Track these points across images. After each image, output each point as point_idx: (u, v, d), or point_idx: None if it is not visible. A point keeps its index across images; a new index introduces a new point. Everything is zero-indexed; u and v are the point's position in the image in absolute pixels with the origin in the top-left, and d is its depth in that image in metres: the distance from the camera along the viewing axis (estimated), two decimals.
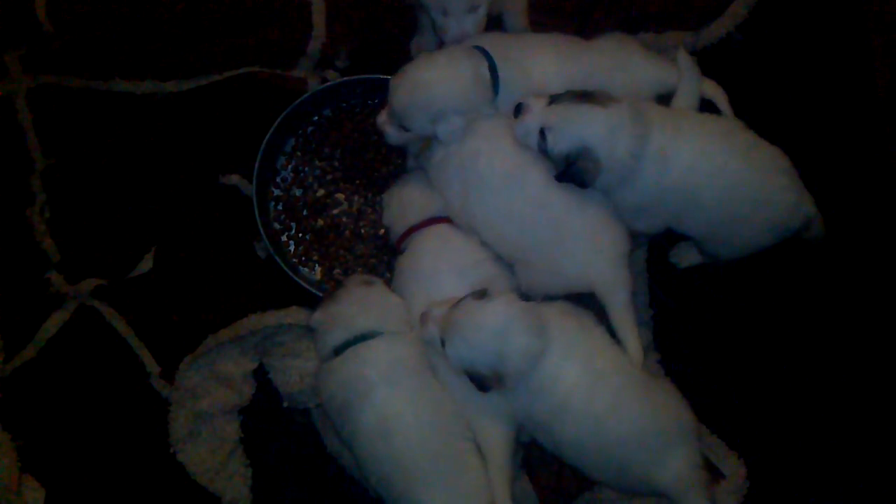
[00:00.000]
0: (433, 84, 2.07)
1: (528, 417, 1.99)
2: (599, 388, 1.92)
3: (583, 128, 1.95)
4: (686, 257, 2.35)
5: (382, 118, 2.19)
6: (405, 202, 2.27)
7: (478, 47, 2.14)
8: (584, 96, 1.98)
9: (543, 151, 2.02)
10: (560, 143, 1.97)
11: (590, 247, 2.06)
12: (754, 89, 2.50)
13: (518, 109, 2.03)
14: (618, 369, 1.97)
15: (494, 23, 2.32)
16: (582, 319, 2.03)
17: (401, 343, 2.03)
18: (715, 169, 2.04)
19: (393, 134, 2.19)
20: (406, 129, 2.15)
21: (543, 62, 2.17)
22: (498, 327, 1.88)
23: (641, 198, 2.05)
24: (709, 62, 2.44)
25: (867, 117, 2.52)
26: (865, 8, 2.58)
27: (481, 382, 1.90)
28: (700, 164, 2.03)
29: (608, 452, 1.94)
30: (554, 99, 2.01)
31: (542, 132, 1.99)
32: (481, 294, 1.93)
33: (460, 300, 1.94)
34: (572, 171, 1.97)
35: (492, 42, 2.17)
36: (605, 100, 1.97)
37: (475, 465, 1.98)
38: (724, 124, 2.13)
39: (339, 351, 2.02)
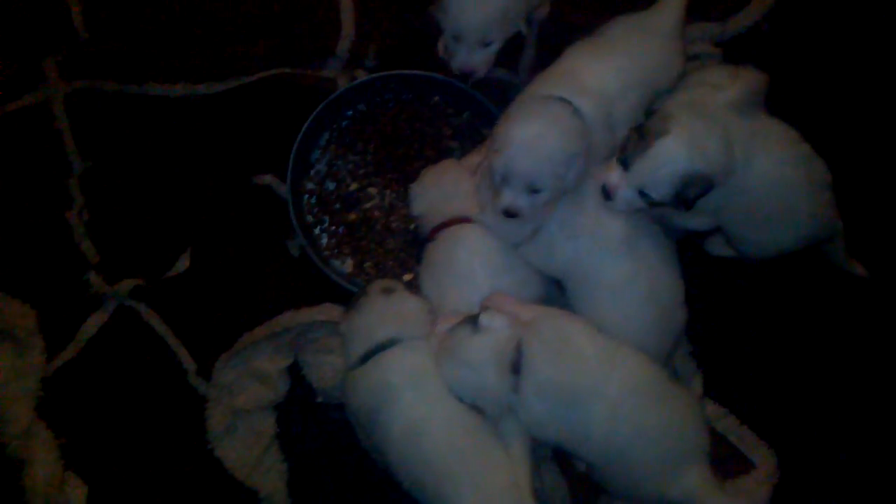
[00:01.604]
0: (546, 138, 1.98)
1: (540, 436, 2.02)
2: (589, 415, 1.91)
3: (668, 165, 1.90)
4: (720, 247, 2.35)
5: (508, 201, 2.03)
6: (442, 195, 2.26)
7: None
8: (644, 132, 1.93)
9: (658, 205, 1.97)
10: (662, 191, 1.92)
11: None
12: (781, 79, 2.47)
13: (605, 193, 1.99)
14: (610, 387, 1.93)
15: None
16: (566, 330, 2.00)
17: (421, 348, 2.04)
18: (783, 177, 2.05)
19: (526, 206, 2.03)
20: (537, 191, 2.02)
21: (593, 73, 2.12)
22: (471, 365, 1.92)
23: (718, 200, 2.03)
24: (736, 52, 2.44)
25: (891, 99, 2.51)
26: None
27: (471, 406, 1.96)
28: (772, 171, 2.03)
29: (620, 467, 1.95)
30: (623, 154, 1.96)
31: (641, 193, 1.95)
32: (474, 320, 1.94)
33: (456, 324, 1.97)
34: (689, 201, 1.93)
35: (557, 85, 2.09)
36: (662, 122, 1.92)
37: (504, 464, 1.98)
38: (789, 133, 2.11)
39: (363, 360, 2.04)
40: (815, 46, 2.55)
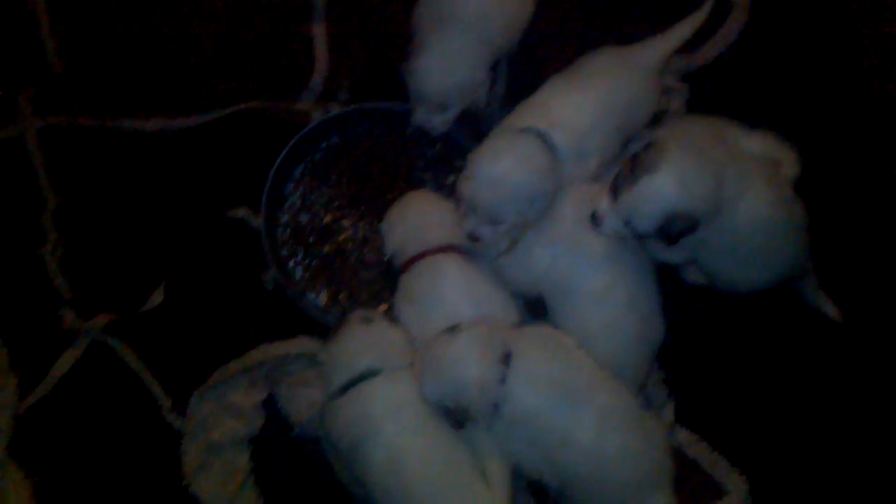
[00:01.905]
0: (511, 174, 2.05)
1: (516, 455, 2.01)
2: (581, 407, 1.92)
3: (653, 201, 1.92)
4: (695, 274, 2.34)
5: (469, 228, 2.13)
6: (410, 229, 2.28)
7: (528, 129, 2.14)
8: (636, 164, 1.94)
9: (641, 236, 2.00)
10: (646, 225, 1.94)
11: None
12: (746, 105, 2.53)
13: (594, 219, 2.01)
14: (599, 396, 1.95)
15: None
16: (556, 341, 2.03)
17: (402, 378, 2.03)
18: (770, 218, 2.07)
19: (487, 234, 2.13)
20: (499, 223, 2.10)
21: (567, 106, 2.18)
22: (453, 360, 1.91)
23: (699, 236, 2.01)
24: (702, 82, 2.49)
25: (858, 127, 2.56)
26: (855, 23, 2.62)
27: (453, 418, 1.94)
28: (760, 211, 2.04)
29: (594, 488, 1.96)
30: (616, 181, 1.98)
31: (626, 224, 1.97)
32: (452, 328, 1.96)
33: (434, 336, 1.99)
34: (673, 237, 1.95)
35: (530, 118, 2.17)
36: (654, 156, 1.93)
37: (484, 495, 1.98)
38: (775, 171, 2.15)
39: (343, 390, 2.04)
40: (778, 73, 2.60)
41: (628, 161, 1.99)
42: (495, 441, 1.99)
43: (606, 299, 2.09)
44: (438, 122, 2.38)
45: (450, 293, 2.15)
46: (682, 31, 2.30)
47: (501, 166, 2.05)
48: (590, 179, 2.19)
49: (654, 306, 2.16)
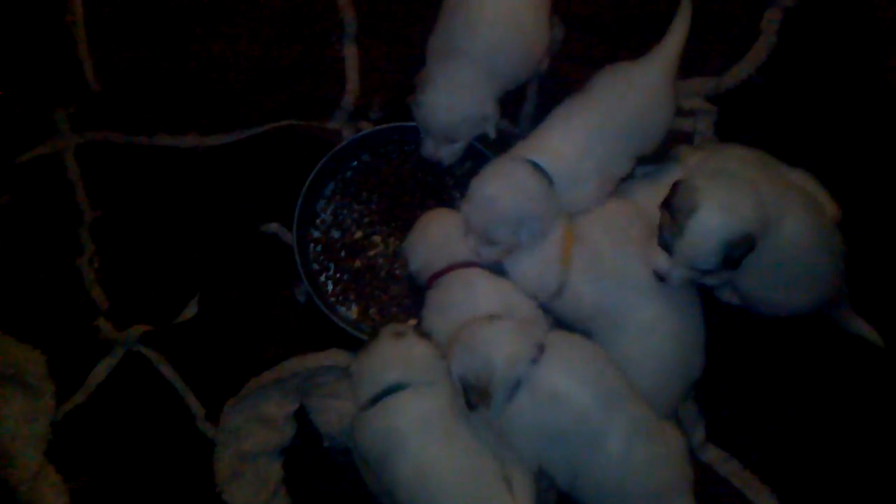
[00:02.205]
0: (501, 197, 2.15)
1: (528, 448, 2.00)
2: (614, 412, 1.92)
3: (709, 238, 1.92)
4: (730, 294, 2.33)
5: (471, 243, 2.24)
6: (432, 248, 2.31)
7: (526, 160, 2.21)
8: (674, 212, 1.97)
9: (709, 273, 2.01)
10: (712, 262, 1.95)
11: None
12: (774, 128, 2.57)
13: (659, 277, 2.04)
14: (631, 405, 1.96)
15: None
16: (590, 346, 2.05)
17: (430, 393, 2.06)
18: (811, 242, 2.09)
19: (485, 253, 2.23)
20: (494, 243, 2.21)
21: (565, 135, 2.24)
22: (488, 338, 1.95)
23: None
24: (731, 104, 2.52)
25: (887, 149, 2.58)
26: (881, 46, 2.65)
27: (469, 396, 1.94)
28: (801, 234, 2.06)
29: (606, 494, 1.96)
30: (661, 235, 2.01)
31: (692, 268, 1.99)
32: (491, 316, 2.01)
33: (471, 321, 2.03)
34: (737, 261, 1.96)
35: (532, 151, 2.23)
36: (689, 197, 1.95)
37: None
38: (813, 200, 2.16)
39: (372, 403, 2.06)
40: (807, 98, 2.62)
41: (663, 212, 2.01)
42: (520, 452, 2.00)
43: (654, 330, 2.11)
44: (447, 153, 2.43)
45: (482, 302, 2.17)
46: (676, 38, 2.28)
47: (492, 190, 2.16)
48: (595, 202, 2.25)
49: (700, 337, 2.17)
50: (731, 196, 1.94)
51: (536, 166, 2.17)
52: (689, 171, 2.14)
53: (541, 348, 1.95)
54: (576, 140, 2.22)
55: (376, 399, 2.05)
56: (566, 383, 1.93)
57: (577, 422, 1.92)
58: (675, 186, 2.01)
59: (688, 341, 2.15)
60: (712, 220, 1.91)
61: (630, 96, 2.24)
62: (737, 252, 1.93)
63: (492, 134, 2.37)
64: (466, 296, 2.19)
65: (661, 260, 2.01)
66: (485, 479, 1.99)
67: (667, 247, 1.99)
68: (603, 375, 1.98)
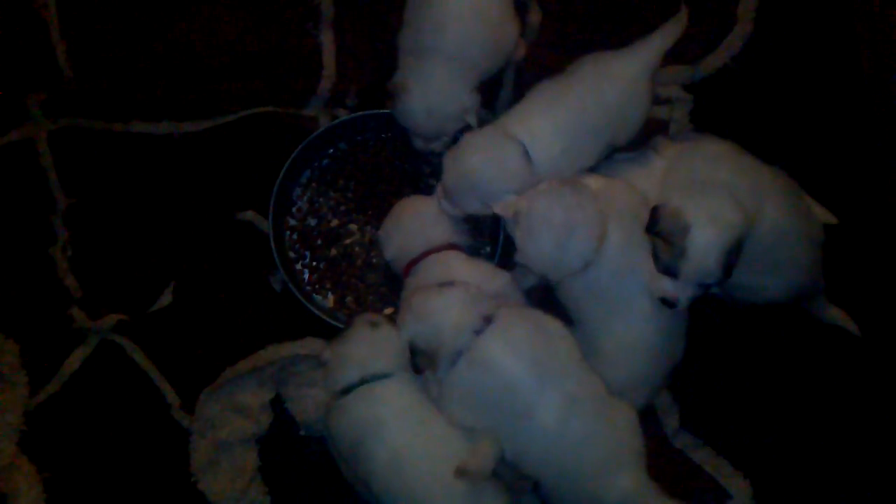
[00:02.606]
0: (480, 168, 2.17)
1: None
2: (548, 387, 1.94)
3: (711, 252, 1.95)
4: None
5: (439, 193, 2.29)
6: (407, 235, 2.32)
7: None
8: (667, 238, 1.98)
9: (713, 286, 2.04)
10: (716, 274, 1.97)
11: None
12: (750, 116, 2.59)
13: (668, 303, 2.03)
14: (568, 383, 1.97)
15: None
16: (541, 322, 2.05)
17: (410, 384, 2.07)
18: (789, 227, 2.12)
19: (447, 209, 2.29)
20: (459, 207, 2.26)
21: (545, 117, 2.23)
22: (439, 306, 1.98)
23: None
24: (706, 92, 2.53)
25: (861, 137, 2.60)
26: (857, 34, 2.66)
27: (416, 361, 2.00)
28: (780, 220, 2.09)
29: (545, 467, 1.98)
30: (660, 263, 2.01)
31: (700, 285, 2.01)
32: (446, 283, 2.04)
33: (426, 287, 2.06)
34: (732, 268, 1.98)
35: (513, 124, 2.23)
36: (676, 220, 1.97)
37: (488, 492, 2.01)
38: (789, 184, 2.19)
39: (348, 390, 2.06)
40: (783, 86, 2.63)
41: (654, 239, 2.02)
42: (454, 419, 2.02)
43: (651, 319, 2.12)
44: (437, 144, 2.45)
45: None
46: (665, 37, 2.29)
47: (474, 161, 2.17)
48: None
49: (683, 324, 2.18)
50: (714, 207, 1.97)
51: (520, 144, 2.18)
52: (664, 179, 2.18)
53: (487, 320, 1.98)
54: (550, 124, 2.22)
55: (353, 387, 2.05)
56: (500, 353, 1.95)
57: (507, 391, 1.95)
58: (656, 212, 2.02)
59: (674, 329, 2.16)
60: (707, 234, 1.94)
61: (607, 88, 2.24)
62: (733, 259, 1.97)
63: (474, 123, 2.36)
64: (447, 276, 2.17)
65: (668, 285, 2.02)
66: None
67: (669, 271, 2.00)
68: (543, 350, 1.99)
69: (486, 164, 2.16)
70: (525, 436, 1.95)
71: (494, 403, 1.97)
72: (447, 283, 2.05)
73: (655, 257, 2.03)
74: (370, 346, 2.09)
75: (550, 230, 2.06)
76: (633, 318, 2.12)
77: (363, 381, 2.05)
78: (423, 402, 2.05)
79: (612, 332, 2.12)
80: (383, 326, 2.13)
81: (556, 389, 1.94)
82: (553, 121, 2.22)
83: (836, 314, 2.36)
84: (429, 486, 1.97)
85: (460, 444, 2.00)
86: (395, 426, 2.00)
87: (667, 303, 2.03)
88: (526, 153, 2.17)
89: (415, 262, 2.28)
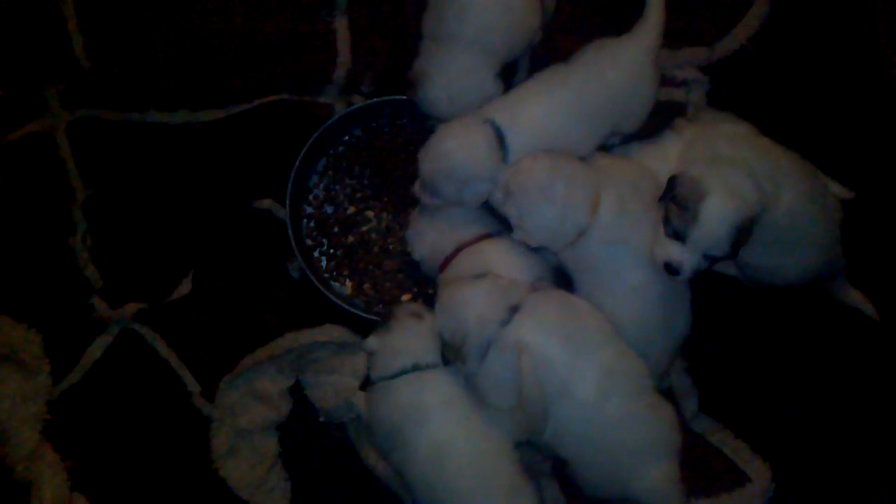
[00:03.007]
0: (452, 153, 2.18)
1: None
2: (584, 360, 1.96)
3: (723, 222, 1.94)
4: (724, 265, 2.35)
5: (417, 186, 2.30)
6: (440, 233, 2.33)
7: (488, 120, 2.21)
8: (680, 203, 1.98)
9: (719, 260, 2.04)
10: (725, 247, 1.96)
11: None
12: (768, 97, 2.56)
13: (669, 269, 2.02)
14: (604, 354, 1.98)
15: None
16: (569, 301, 2.07)
17: (457, 377, 2.07)
18: (806, 210, 2.11)
19: (426, 200, 2.29)
20: (437, 196, 2.25)
21: (540, 103, 2.23)
22: (464, 299, 1.99)
23: None
24: (723, 74, 2.51)
25: (881, 119, 2.57)
26: (875, 15, 2.63)
27: (444, 352, 2.01)
28: (797, 203, 2.08)
29: (584, 447, 1.99)
30: (670, 227, 2.00)
31: (705, 257, 2.00)
32: (480, 275, 2.04)
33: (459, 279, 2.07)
34: (740, 246, 1.98)
35: (497, 110, 2.24)
36: (695, 186, 1.96)
37: (526, 490, 2.03)
38: (805, 165, 2.18)
39: (394, 377, 2.08)
40: (799, 67, 2.60)
41: (668, 205, 2.02)
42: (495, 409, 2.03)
43: (640, 293, 2.12)
44: None
45: (501, 269, 2.17)
46: (653, 18, 2.27)
47: (447, 145, 2.19)
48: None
49: (684, 302, 2.18)
50: (734, 181, 1.97)
51: (497, 131, 2.19)
52: (682, 156, 2.18)
53: (514, 309, 1.98)
54: (553, 115, 2.22)
55: (401, 373, 2.07)
56: (531, 335, 1.96)
57: (543, 370, 1.94)
58: (674, 179, 2.03)
59: (672, 303, 2.15)
60: (724, 205, 1.94)
61: (611, 74, 2.24)
62: (743, 236, 1.96)
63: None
64: (486, 266, 2.18)
65: (674, 250, 2.00)
66: (502, 464, 2.02)
67: (679, 235, 1.99)
68: (573, 326, 2.00)
69: (456, 150, 2.18)
70: (565, 414, 1.96)
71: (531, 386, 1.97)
72: (479, 276, 2.04)
73: (666, 221, 2.02)
74: (418, 337, 2.11)
75: (549, 201, 2.08)
76: (623, 290, 2.13)
77: (416, 368, 2.07)
78: (467, 397, 2.06)
79: (601, 304, 2.12)
80: (427, 317, 2.14)
81: (591, 361, 1.95)
82: (542, 108, 2.23)
83: (856, 297, 2.34)
84: (468, 481, 1.99)
85: (501, 445, 2.03)
86: (440, 417, 2.02)
87: (670, 269, 2.02)
88: (499, 139, 2.18)
89: (449, 259, 2.29)
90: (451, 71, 2.34)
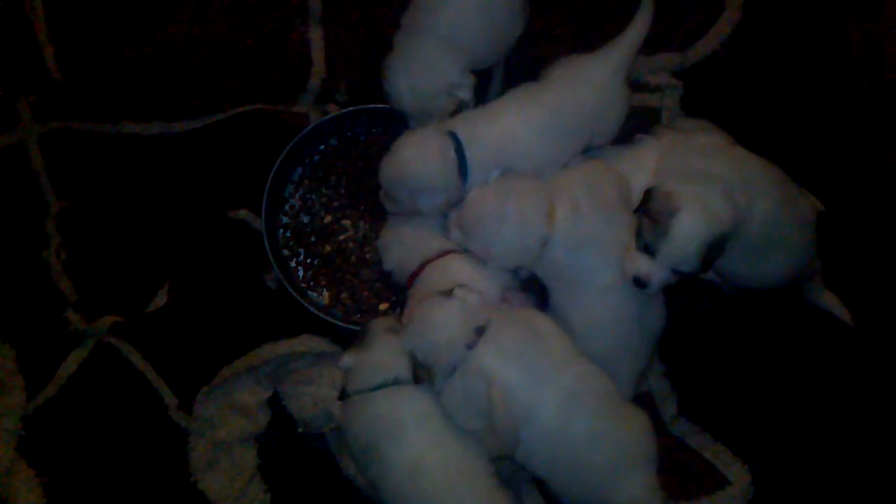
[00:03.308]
0: (407, 163, 2.21)
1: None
2: (545, 386, 1.95)
3: (694, 239, 1.96)
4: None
5: (381, 194, 2.33)
6: (407, 247, 2.33)
7: (449, 132, 2.23)
8: (654, 216, 2.00)
9: (688, 276, 2.05)
10: (693, 262, 1.99)
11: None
12: (740, 102, 2.58)
13: (638, 283, 2.04)
14: (564, 378, 1.97)
15: None
16: (532, 323, 2.05)
17: (431, 392, 2.05)
18: (780, 217, 2.13)
19: (388, 207, 2.34)
20: (395, 203, 2.29)
21: (509, 121, 2.25)
22: (437, 322, 1.99)
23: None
24: (696, 79, 2.53)
25: (851, 122, 2.60)
26: (846, 20, 2.65)
27: (416, 371, 2.02)
28: (770, 211, 2.10)
29: (568, 468, 1.98)
30: (641, 240, 2.03)
31: (674, 271, 2.02)
32: (448, 292, 2.03)
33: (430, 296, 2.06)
34: (711, 263, 2.01)
35: (461, 123, 2.26)
36: (668, 201, 1.99)
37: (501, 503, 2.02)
38: (777, 172, 2.19)
39: (375, 389, 2.07)
40: (772, 72, 2.62)
41: (641, 217, 2.04)
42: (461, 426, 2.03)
43: (613, 292, 2.12)
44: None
45: (468, 283, 2.15)
46: (634, 36, 2.29)
47: (403, 154, 2.23)
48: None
49: (656, 300, 2.19)
50: (708, 197, 1.99)
51: (457, 144, 2.20)
52: (656, 169, 2.18)
53: (480, 331, 1.98)
54: (523, 128, 2.24)
55: (378, 388, 2.06)
56: (491, 362, 1.96)
57: (507, 396, 1.94)
58: (649, 192, 2.04)
59: (643, 301, 2.15)
60: (695, 220, 1.96)
61: (580, 94, 2.26)
62: (714, 253, 1.98)
63: (468, 99, 2.37)
64: (449, 281, 2.16)
65: (643, 264, 2.03)
66: (477, 480, 2.01)
67: (649, 249, 2.01)
68: (535, 351, 2.00)
69: (411, 159, 2.21)
70: (533, 437, 1.96)
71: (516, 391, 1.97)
72: (449, 293, 2.04)
73: (638, 234, 2.04)
74: (395, 353, 2.09)
75: (504, 223, 2.12)
76: (595, 291, 2.14)
77: (396, 382, 2.05)
78: (442, 413, 2.05)
79: (576, 307, 2.14)
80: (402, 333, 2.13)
81: (552, 386, 1.95)
82: (521, 126, 2.24)
83: (830, 300, 2.37)
84: (443, 497, 1.98)
85: (476, 460, 2.01)
86: (415, 433, 2.00)
87: (638, 283, 2.04)
88: (455, 151, 2.20)
89: (415, 274, 2.28)
90: (415, 59, 2.34)
